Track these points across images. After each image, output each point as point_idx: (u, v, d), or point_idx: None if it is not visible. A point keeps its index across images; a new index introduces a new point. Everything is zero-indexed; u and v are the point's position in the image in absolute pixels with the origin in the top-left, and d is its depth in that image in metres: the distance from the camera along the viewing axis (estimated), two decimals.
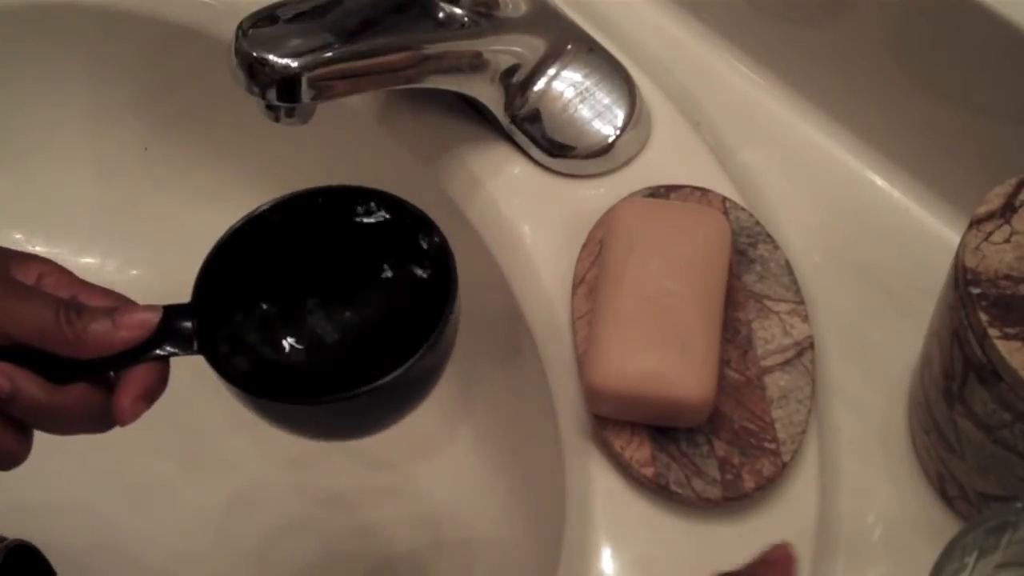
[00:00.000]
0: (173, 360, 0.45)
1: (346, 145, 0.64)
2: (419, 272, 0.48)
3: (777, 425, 0.48)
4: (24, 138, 0.72)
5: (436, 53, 0.52)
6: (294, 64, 0.46)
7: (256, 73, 0.46)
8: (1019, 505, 0.38)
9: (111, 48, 0.70)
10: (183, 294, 0.46)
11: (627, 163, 0.58)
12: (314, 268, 0.49)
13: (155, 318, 0.44)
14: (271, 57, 0.46)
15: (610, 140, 0.57)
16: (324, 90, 0.47)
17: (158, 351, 0.45)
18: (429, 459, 0.68)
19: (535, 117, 0.57)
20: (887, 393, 0.52)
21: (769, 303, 0.52)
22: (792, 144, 0.60)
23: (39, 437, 0.45)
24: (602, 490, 0.49)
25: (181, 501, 0.67)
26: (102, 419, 0.44)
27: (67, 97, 0.72)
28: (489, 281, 0.57)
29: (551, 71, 0.58)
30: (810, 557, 0.47)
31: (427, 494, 0.66)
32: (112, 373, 0.45)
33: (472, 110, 0.59)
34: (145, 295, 0.47)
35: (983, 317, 0.42)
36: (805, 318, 0.51)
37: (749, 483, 0.47)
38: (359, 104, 0.61)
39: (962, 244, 0.44)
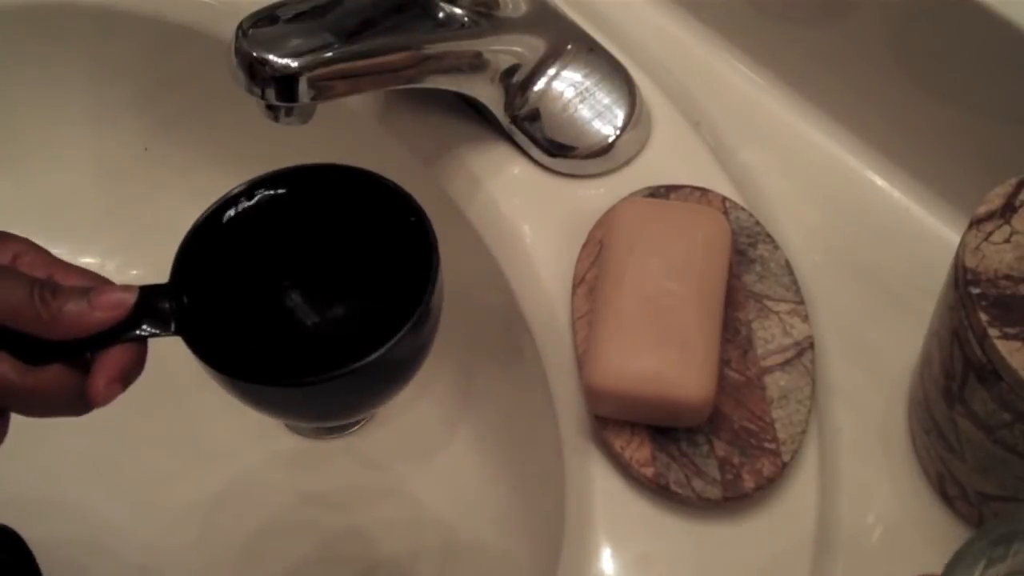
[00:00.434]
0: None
1: (346, 145, 0.64)
2: (400, 252, 0.48)
3: (777, 425, 0.48)
4: (24, 138, 0.72)
5: (436, 53, 0.52)
6: (294, 64, 0.46)
7: (256, 73, 0.46)
8: None
9: (111, 48, 0.70)
10: None
11: (627, 163, 0.58)
12: (294, 249, 0.49)
13: (131, 298, 0.44)
14: (271, 57, 0.46)
15: (610, 140, 0.57)
16: (324, 90, 0.47)
17: (135, 332, 0.44)
18: (429, 459, 0.68)
19: (535, 117, 0.57)
20: (887, 393, 0.52)
21: (769, 303, 0.52)
22: (792, 144, 0.60)
23: (24, 430, 0.45)
24: (602, 490, 0.49)
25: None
26: (78, 401, 0.44)
27: (67, 97, 0.72)
28: (489, 281, 0.57)
29: (551, 71, 0.58)
30: (810, 557, 0.47)
31: (427, 494, 0.66)
32: (89, 355, 0.44)
33: (472, 110, 0.59)
34: None
35: (983, 317, 0.42)
36: (805, 318, 0.51)
37: (749, 483, 0.47)
38: (359, 104, 0.61)
39: (962, 244, 0.44)
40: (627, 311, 0.48)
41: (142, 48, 0.69)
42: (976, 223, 0.44)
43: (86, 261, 0.71)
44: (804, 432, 0.49)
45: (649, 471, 0.48)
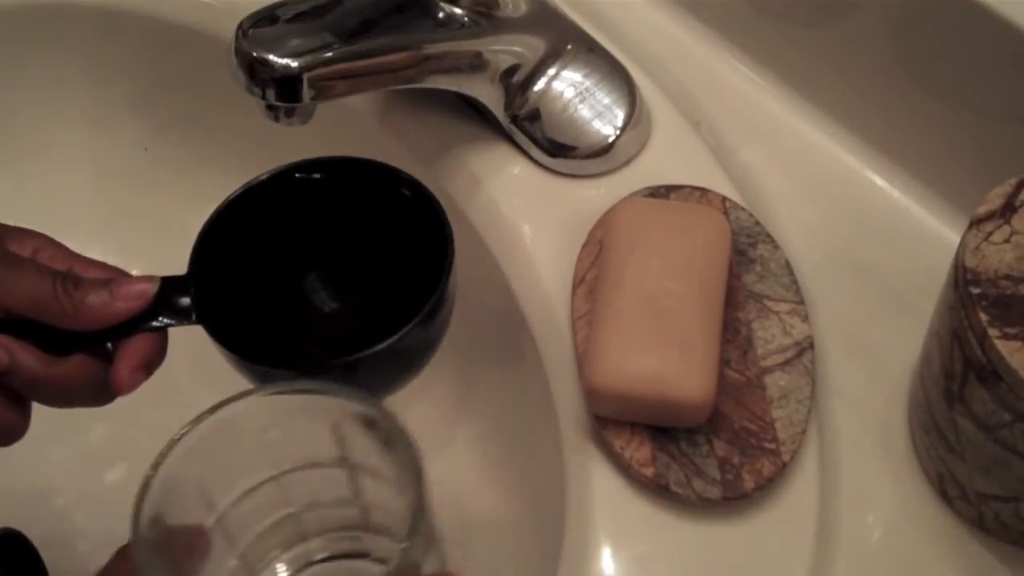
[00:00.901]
0: (169, 352, 0.45)
1: (346, 145, 0.64)
2: (416, 244, 0.49)
3: (777, 425, 0.48)
4: (24, 139, 0.72)
5: (436, 53, 0.52)
6: (294, 64, 0.46)
7: (256, 73, 0.46)
8: None
9: (110, 49, 0.70)
10: None
11: (627, 163, 0.58)
12: (311, 238, 0.50)
13: (153, 289, 0.45)
14: (271, 57, 0.46)
15: (610, 140, 0.57)
16: (324, 90, 0.47)
17: (155, 322, 0.45)
18: (428, 459, 0.67)
19: (535, 117, 0.57)
20: (887, 393, 0.52)
21: (769, 303, 0.52)
22: (792, 144, 0.60)
23: (34, 425, 0.45)
24: (602, 490, 0.49)
25: None
26: (101, 391, 0.45)
27: (67, 98, 0.72)
28: (489, 281, 0.57)
29: (551, 71, 0.58)
30: (810, 557, 0.47)
31: None
32: (110, 344, 0.45)
33: (472, 110, 0.59)
34: None
35: (983, 317, 0.42)
36: (805, 318, 0.51)
37: (749, 483, 0.47)
38: (359, 104, 0.61)
39: (962, 244, 0.44)
40: (627, 311, 0.48)
41: (142, 48, 0.69)
42: (976, 223, 0.44)
43: None
44: (804, 432, 0.49)
45: (649, 471, 0.48)
